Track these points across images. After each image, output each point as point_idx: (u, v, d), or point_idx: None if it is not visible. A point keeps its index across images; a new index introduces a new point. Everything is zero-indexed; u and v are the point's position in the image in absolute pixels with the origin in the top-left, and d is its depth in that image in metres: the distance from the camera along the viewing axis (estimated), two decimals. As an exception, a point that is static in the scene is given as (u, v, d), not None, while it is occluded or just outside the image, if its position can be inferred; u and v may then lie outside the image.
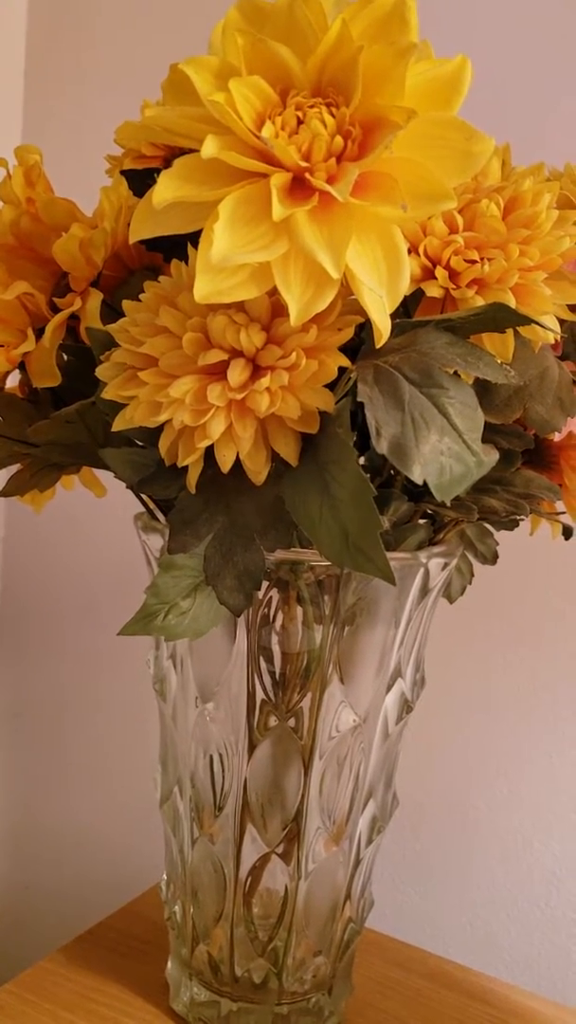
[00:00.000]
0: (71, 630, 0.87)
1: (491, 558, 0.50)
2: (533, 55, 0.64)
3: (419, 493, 0.43)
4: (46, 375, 0.41)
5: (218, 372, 0.33)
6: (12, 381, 0.46)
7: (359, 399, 0.31)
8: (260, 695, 0.45)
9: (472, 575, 0.51)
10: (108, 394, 0.34)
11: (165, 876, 0.52)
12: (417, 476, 0.31)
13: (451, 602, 0.51)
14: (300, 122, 0.29)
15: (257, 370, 0.33)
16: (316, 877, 0.47)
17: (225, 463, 0.33)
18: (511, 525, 0.46)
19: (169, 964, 0.53)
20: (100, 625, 0.85)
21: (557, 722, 0.68)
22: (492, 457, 0.32)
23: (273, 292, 0.31)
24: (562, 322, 0.38)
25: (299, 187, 0.30)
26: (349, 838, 0.48)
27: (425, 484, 0.31)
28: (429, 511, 0.44)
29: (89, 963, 0.55)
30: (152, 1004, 0.52)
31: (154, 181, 0.43)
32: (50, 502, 0.49)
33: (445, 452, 0.31)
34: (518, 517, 0.45)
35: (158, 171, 0.43)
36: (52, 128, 0.83)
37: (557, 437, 0.43)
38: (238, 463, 0.33)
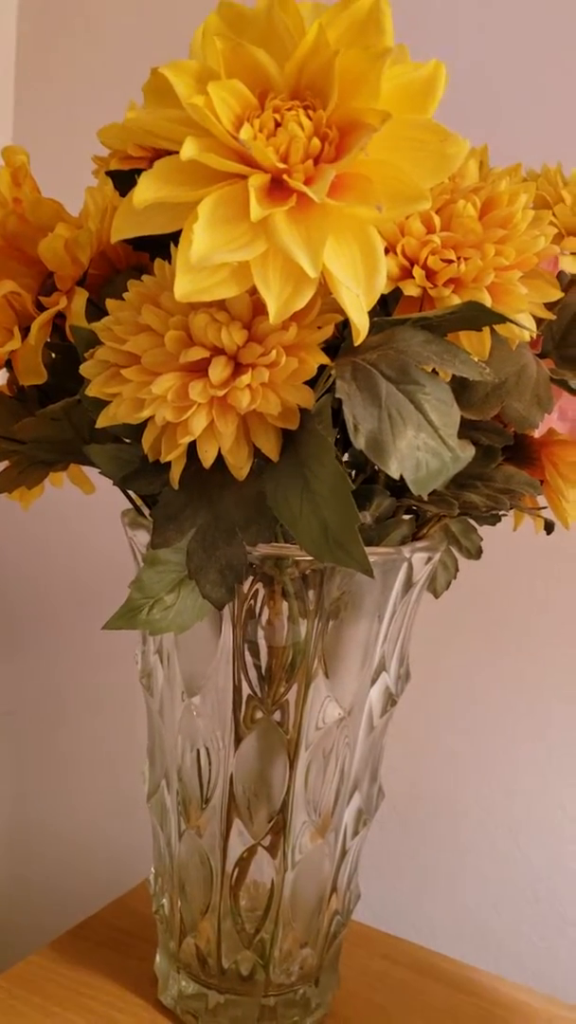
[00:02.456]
0: (63, 627, 0.87)
1: (475, 553, 0.50)
2: (512, 56, 0.65)
3: (401, 489, 0.43)
4: (32, 373, 0.41)
5: (200, 369, 0.33)
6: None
7: (337, 395, 0.32)
8: (246, 689, 0.45)
9: (457, 570, 0.52)
10: (92, 391, 0.35)
11: (153, 870, 0.52)
12: (394, 471, 0.31)
13: (436, 596, 0.52)
14: (278, 124, 0.30)
15: (238, 367, 0.33)
16: (302, 869, 0.48)
17: (207, 459, 0.33)
18: (493, 520, 0.47)
19: (157, 957, 0.53)
20: (92, 621, 0.85)
21: (546, 716, 0.68)
22: (468, 452, 0.33)
23: (254, 291, 0.31)
24: (539, 320, 0.39)
25: (277, 188, 0.30)
26: (335, 830, 0.48)
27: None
28: (412, 507, 0.45)
29: (79, 957, 0.56)
30: (141, 997, 0.53)
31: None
32: (40, 499, 0.49)
33: (421, 447, 0.32)
34: (499, 512, 0.46)
35: (143, 171, 0.44)
36: (42, 128, 0.84)
37: (537, 433, 0.44)
38: (220, 459, 0.34)
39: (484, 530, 0.50)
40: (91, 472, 0.48)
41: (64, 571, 0.86)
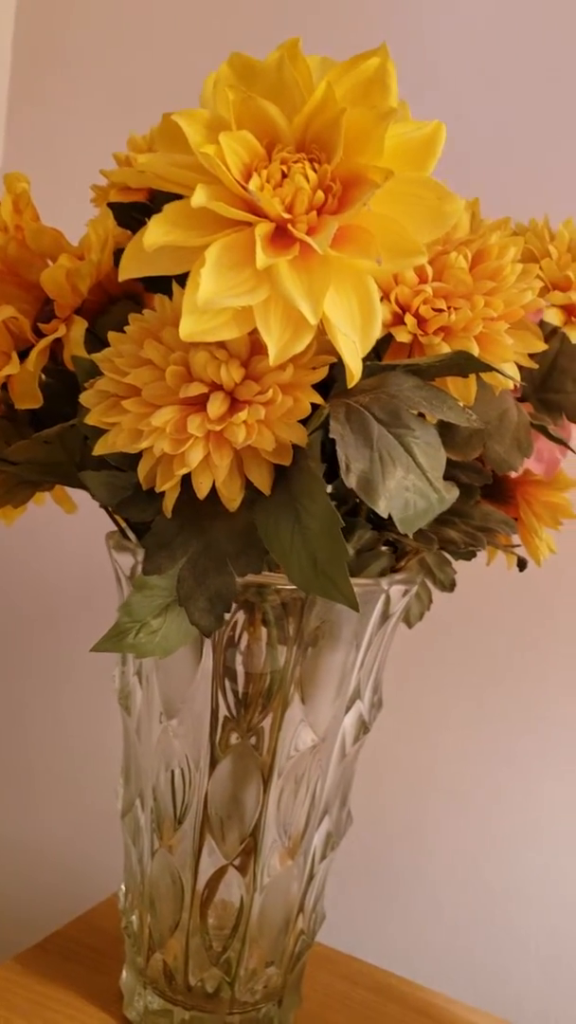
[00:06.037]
0: (32, 642, 0.87)
1: (449, 586, 0.52)
2: (502, 111, 0.67)
3: (382, 522, 0.45)
4: (28, 397, 0.42)
5: (198, 404, 0.34)
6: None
7: (331, 435, 0.33)
8: (223, 713, 0.46)
9: (431, 601, 0.53)
10: (91, 420, 0.36)
11: (123, 886, 0.53)
12: (383, 510, 0.33)
13: (410, 627, 0.53)
14: (284, 175, 0.31)
15: (235, 403, 0.34)
16: (271, 890, 0.49)
17: (202, 490, 0.35)
18: (469, 556, 0.48)
19: (124, 973, 0.54)
20: (62, 637, 0.86)
21: (506, 745, 0.70)
22: (453, 494, 0.34)
23: (252, 331, 0.33)
24: (521, 367, 0.41)
25: (280, 236, 0.32)
26: (304, 853, 0.49)
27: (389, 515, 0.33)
28: (391, 539, 0.46)
29: (44, 971, 0.56)
30: (106, 1012, 0.53)
31: (138, 214, 0.45)
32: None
33: (410, 488, 0.33)
34: (475, 548, 0.47)
35: (142, 204, 0.45)
36: (32, 155, 0.84)
37: (514, 474, 0.46)
38: (213, 490, 0.35)
39: (455, 564, 0.51)
40: (68, 489, 0.49)
41: (34, 586, 0.87)
